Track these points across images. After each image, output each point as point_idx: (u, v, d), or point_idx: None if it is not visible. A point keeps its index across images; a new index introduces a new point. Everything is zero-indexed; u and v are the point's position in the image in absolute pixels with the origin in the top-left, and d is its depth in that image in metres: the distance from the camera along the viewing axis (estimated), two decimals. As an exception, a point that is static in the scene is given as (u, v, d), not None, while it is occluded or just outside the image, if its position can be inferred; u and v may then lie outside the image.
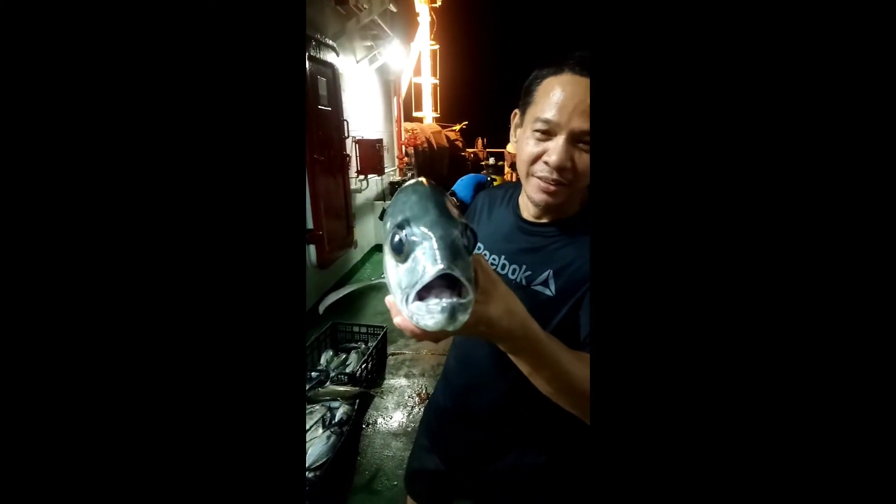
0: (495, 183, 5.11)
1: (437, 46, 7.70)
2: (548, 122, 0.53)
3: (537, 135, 0.55)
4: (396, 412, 1.97)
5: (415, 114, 7.64)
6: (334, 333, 2.37)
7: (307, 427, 1.62)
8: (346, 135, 3.35)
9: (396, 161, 5.40)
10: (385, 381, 2.20)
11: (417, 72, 7.25)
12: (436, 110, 7.98)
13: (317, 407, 1.73)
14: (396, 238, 0.35)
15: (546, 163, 0.55)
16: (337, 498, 1.51)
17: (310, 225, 2.84)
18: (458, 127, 7.90)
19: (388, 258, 0.37)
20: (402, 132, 5.72)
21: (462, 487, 0.79)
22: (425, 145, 6.09)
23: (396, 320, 0.40)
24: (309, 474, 1.43)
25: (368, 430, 1.86)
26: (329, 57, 3.12)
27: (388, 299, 0.43)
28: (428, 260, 0.33)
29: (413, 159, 5.74)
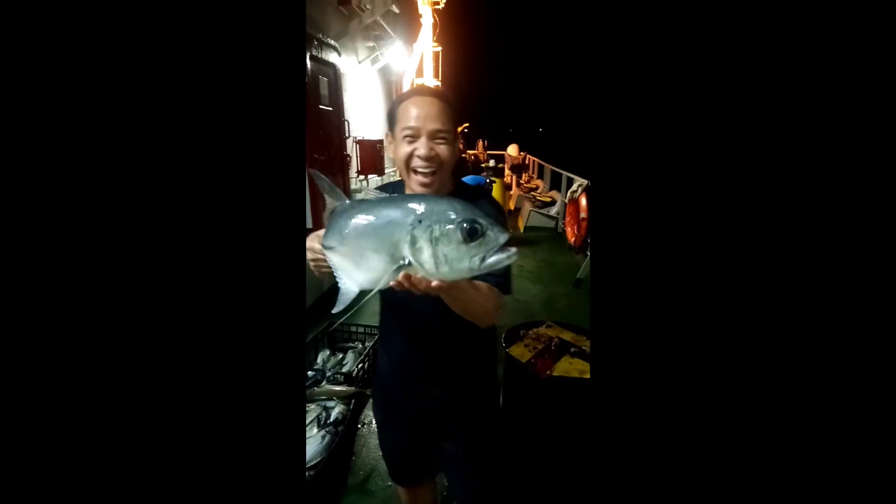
0: (494, 185, 5.05)
1: (439, 48, 7.71)
2: (412, 129, 0.75)
3: (406, 140, 0.76)
4: (392, 413, 1.96)
5: (416, 115, 7.63)
6: (331, 333, 2.37)
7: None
8: (346, 135, 3.36)
9: (397, 162, 5.40)
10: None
11: (419, 73, 7.26)
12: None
13: (312, 406, 1.73)
14: (471, 226, 0.53)
15: (418, 156, 0.75)
16: (331, 498, 1.51)
17: (310, 224, 2.85)
18: (458, 129, 7.89)
19: (450, 240, 0.53)
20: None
21: (424, 446, 0.97)
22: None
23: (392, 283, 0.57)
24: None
25: (364, 430, 1.86)
26: (331, 57, 3.13)
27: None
28: (499, 233, 0.54)
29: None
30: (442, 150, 0.76)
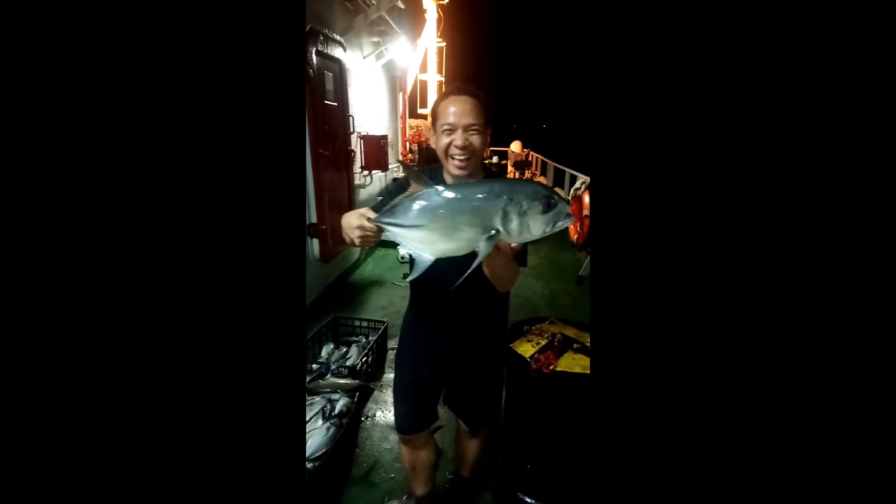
0: None
1: (443, 44, 7.68)
2: (450, 124, 0.92)
3: (445, 132, 0.93)
4: (395, 406, 1.99)
5: (419, 110, 7.62)
6: (335, 327, 2.39)
7: (307, 418, 1.64)
8: (351, 130, 3.36)
9: (401, 157, 5.40)
10: (385, 375, 2.22)
11: (423, 68, 7.23)
12: (441, 107, 7.94)
13: (317, 398, 1.75)
14: (548, 200, 0.71)
15: (456, 146, 0.93)
16: (336, 489, 1.53)
17: (313, 219, 2.86)
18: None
19: (533, 211, 0.71)
20: (407, 129, 5.72)
21: (430, 394, 1.22)
22: (429, 143, 6.08)
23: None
24: (308, 465, 1.46)
25: (367, 422, 1.89)
26: (336, 52, 3.13)
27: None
28: (565, 205, 0.72)
29: (417, 156, 5.74)
30: (475, 139, 0.93)
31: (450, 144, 0.93)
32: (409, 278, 0.80)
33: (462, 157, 0.93)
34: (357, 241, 0.82)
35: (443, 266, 0.79)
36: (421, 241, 0.77)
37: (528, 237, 0.73)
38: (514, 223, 0.72)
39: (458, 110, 0.92)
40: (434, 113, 0.97)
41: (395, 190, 0.98)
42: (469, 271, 0.77)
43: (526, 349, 1.35)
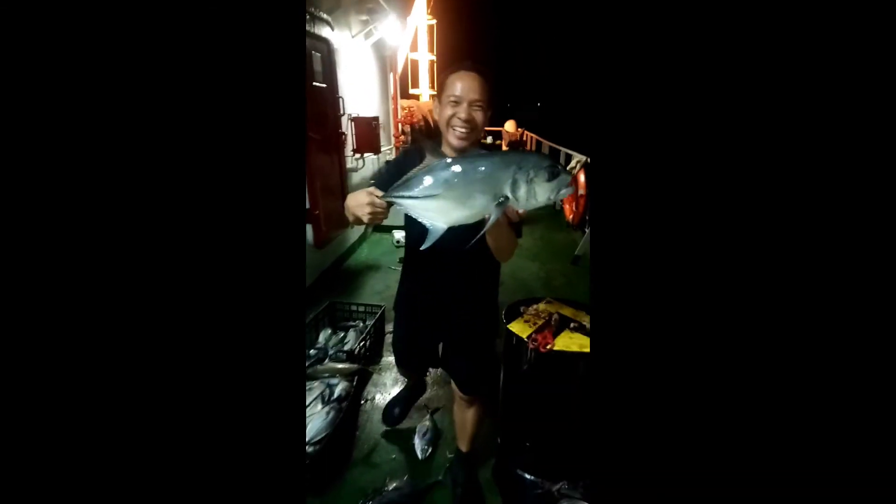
0: None
1: (434, 21, 7.49)
2: (456, 97, 0.99)
3: (451, 104, 1.00)
4: (394, 388, 2.00)
5: (411, 90, 7.49)
6: (332, 312, 2.39)
7: (307, 403, 1.65)
8: (341, 112, 3.30)
9: (393, 139, 5.33)
10: (383, 359, 2.23)
11: (414, 47, 7.07)
12: (433, 87, 7.82)
13: (316, 383, 1.76)
14: (553, 169, 0.77)
15: (459, 118, 0.99)
16: (336, 471, 1.55)
17: (306, 205, 2.82)
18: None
19: (540, 179, 0.77)
20: (399, 110, 5.62)
21: (427, 342, 1.35)
22: (422, 123, 6.00)
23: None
24: (309, 448, 1.47)
25: (367, 405, 1.90)
26: (324, 31, 3.04)
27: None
28: (567, 174, 0.78)
29: (410, 137, 5.66)
30: (478, 115, 1.00)
31: (453, 116, 0.99)
32: (423, 246, 0.84)
33: (464, 130, 0.99)
34: (366, 219, 0.87)
35: (444, 235, 0.84)
36: (436, 210, 0.82)
37: (534, 203, 0.79)
38: (522, 190, 0.78)
39: (465, 85, 0.98)
40: (441, 84, 1.03)
41: (390, 170, 1.08)
42: (482, 232, 0.83)
43: (523, 329, 1.35)
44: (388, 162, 1.21)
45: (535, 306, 1.50)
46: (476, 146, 1.03)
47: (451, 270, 1.14)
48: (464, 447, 1.50)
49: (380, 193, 0.87)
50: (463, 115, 0.98)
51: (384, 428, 1.77)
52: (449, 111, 0.99)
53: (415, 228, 0.99)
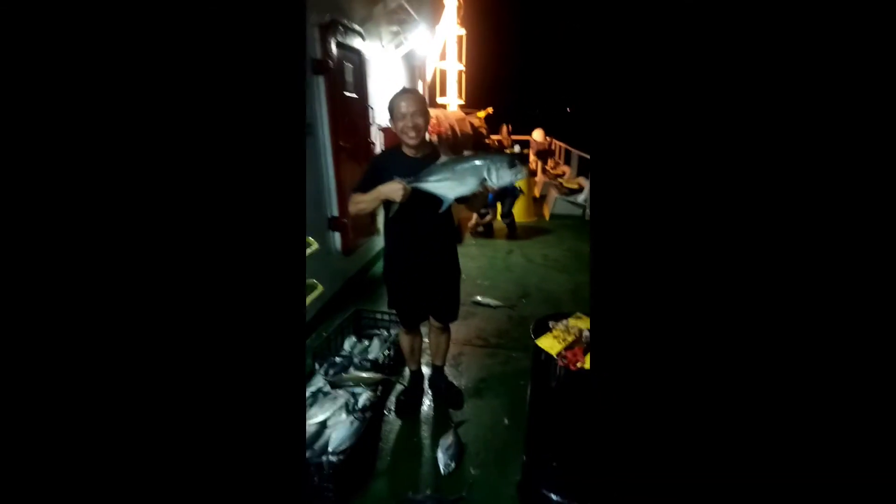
0: (521, 187, 5.13)
1: (463, 31, 7.55)
2: (403, 113, 1.49)
3: (400, 116, 1.49)
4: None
5: (439, 100, 7.54)
6: (358, 319, 2.40)
7: (331, 412, 1.65)
8: (371, 121, 3.34)
9: (420, 148, 5.36)
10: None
11: (443, 57, 7.14)
12: (460, 97, 7.87)
13: (340, 392, 1.76)
14: (513, 162, 1.40)
15: (406, 125, 1.49)
16: (360, 482, 1.54)
17: (335, 212, 2.87)
18: (482, 113, 7.77)
19: (505, 168, 1.39)
20: (427, 119, 5.66)
21: (420, 298, 1.78)
22: (449, 133, 6.03)
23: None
24: (333, 458, 1.47)
25: (390, 416, 1.89)
26: (356, 43, 3.10)
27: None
28: (522, 164, 1.45)
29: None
30: (419, 121, 1.49)
31: (405, 126, 1.49)
32: (441, 209, 1.46)
33: (413, 133, 1.50)
34: (400, 198, 1.41)
35: (419, 208, 1.49)
36: (447, 188, 1.42)
37: (503, 183, 1.40)
38: (494, 175, 1.38)
39: (407, 104, 1.48)
40: (391, 108, 1.52)
41: (374, 168, 1.58)
42: (471, 197, 1.50)
43: (552, 345, 1.31)
44: (372, 161, 1.72)
45: (564, 321, 1.45)
46: (424, 143, 1.57)
47: (428, 234, 1.63)
48: (439, 362, 2.02)
49: (402, 183, 1.41)
50: (410, 123, 1.48)
51: (407, 440, 1.76)
52: (400, 123, 1.50)
53: (403, 212, 1.50)
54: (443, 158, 1.45)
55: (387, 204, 1.50)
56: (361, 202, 1.49)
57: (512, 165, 1.36)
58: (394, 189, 1.40)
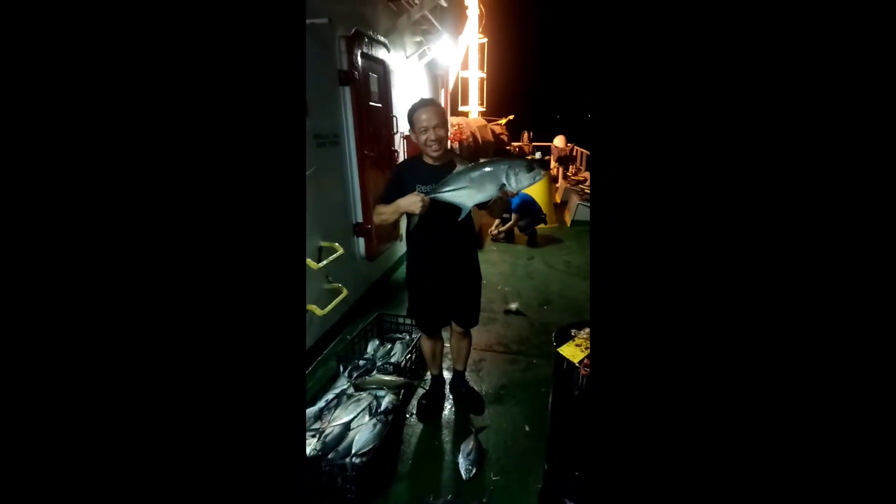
0: (545, 214, 4.95)
1: (485, 40, 7.61)
2: (424, 125, 1.51)
3: (422, 131, 1.52)
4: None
5: (461, 107, 7.60)
6: (380, 323, 2.44)
7: (355, 414, 1.68)
8: (395, 131, 3.41)
9: (442, 155, 5.41)
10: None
11: (465, 65, 7.21)
12: (482, 104, 7.91)
13: (364, 395, 1.80)
14: (531, 165, 1.40)
15: (430, 140, 1.52)
16: (382, 484, 1.56)
17: (359, 219, 2.93)
18: (503, 121, 7.79)
19: (523, 172, 1.40)
20: (449, 127, 5.72)
21: (439, 306, 1.81)
22: (470, 140, 6.07)
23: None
24: (356, 460, 1.50)
25: (412, 420, 1.92)
26: (380, 53, 3.18)
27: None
28: (540, 167, 1.43)
29: (459, 153, 5.73)
30: (441, 133, 1.53)
31: (427, 139, 1.52)
32: (460, 217, 1.51)
33: (434, 145, 1.53)
34: (418, 210, 1.44)
35: (438, 217, 1.52)
36: (466, 196, 1.44)
37: (521, 187, 1.40)
38: (513, 179, 1.38)
39: (427, 116, 1.50)
40: (411, 118, 1.55)
41: (397, 177, 1.61)
42: (490, 203, 1.49)
43: (575, 353, 1.31)
44: (394, 171, 1.71)
45: (586, 329, 1.45)
46: (446, 152, 1.59)
47: (448, 241, 1.66)
48: (460, 367, 2.04)
49: (421, 196, 1.45)
50: (433, 136, 1.51)
51: (429, 444, 1.77)
52: (423, 136, 1.52)
53: (423, 221, 1.54)
54: (460, 166, 1.45)
55: (408, 215, 1.53)
56: (384, 213, 1.55)
57: (530, 169, 1.36)
58: (413, 202, 1.44)
